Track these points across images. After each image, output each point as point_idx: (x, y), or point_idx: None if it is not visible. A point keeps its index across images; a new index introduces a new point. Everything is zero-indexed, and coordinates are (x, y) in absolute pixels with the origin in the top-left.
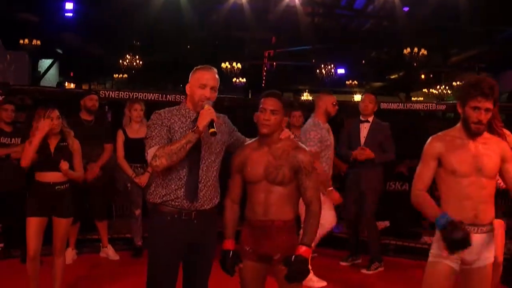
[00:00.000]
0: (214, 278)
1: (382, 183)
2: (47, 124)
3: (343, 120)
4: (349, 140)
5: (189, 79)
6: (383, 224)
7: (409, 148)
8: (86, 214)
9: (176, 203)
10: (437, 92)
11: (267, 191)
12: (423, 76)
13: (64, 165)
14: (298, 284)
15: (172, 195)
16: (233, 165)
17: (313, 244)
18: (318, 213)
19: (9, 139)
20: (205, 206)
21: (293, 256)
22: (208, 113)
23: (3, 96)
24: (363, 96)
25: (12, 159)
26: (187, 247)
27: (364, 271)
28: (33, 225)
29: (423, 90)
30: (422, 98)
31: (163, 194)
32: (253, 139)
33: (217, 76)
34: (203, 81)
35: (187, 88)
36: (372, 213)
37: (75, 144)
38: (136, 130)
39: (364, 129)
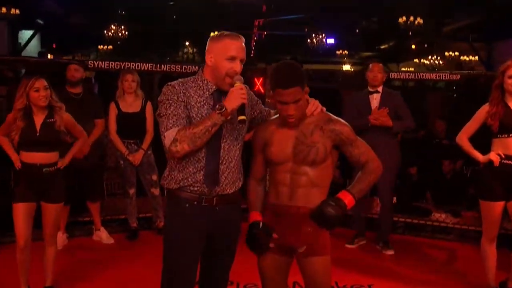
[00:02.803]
0: (234, 269)
1: (400, 159)
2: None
3: (338, 91)
4: (358, 114)
5: (211, 47)
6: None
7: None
8: (76, 195)
9: (195, 188)
10: (428, 63)
11: (294, 173)
12: (413, 46)
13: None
14: (327, 281)
15: (190, 180)
16: (255, 143)
17: None
18: (375, 170)
19: None
20: (228, 190)
21: (332, 198)
22: (239, 94)
23: None
24: (370, 66)
25: None
26: (209, 236)
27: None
28: (21, 212)
29: (414, 60)
30: (412, 69)
31: (180, 178)
32: (278, 115)
33: (244, 45)
34: (232, 52)
35: (208, 58)
36: (392, 195)
37: (64, 119)
38: (130, 104)
39: (374, 100)
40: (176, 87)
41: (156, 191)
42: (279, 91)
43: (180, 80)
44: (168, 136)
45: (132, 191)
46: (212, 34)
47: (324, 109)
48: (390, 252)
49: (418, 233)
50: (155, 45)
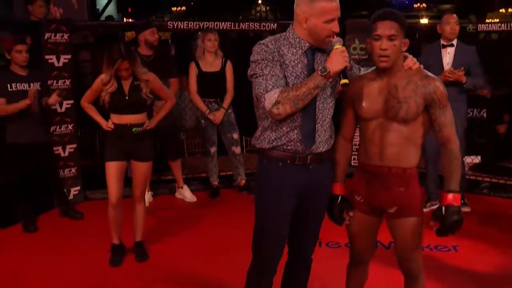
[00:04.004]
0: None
1: (466, 113)
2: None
3: (416, 46)
4: (428, 69)
5: (304, 7)
6: (476, 159)
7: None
8: (157, 154)
9: (289, 147)
10: None
11: (384, 130)
12: None
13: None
14: (417, 242)
15: (284, 139)
16: (345, 98)
17: None
18: (458, 152)
19: (26, 85)
20: (321, 148)
21: (443, 208)
22: (342, 57)
23: (16, 36)
24: (446, 18)
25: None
26: (301, 195)
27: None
28: (113, 170)
29: (500, 10)
30: (497, 20)
31: (273, 138)
32: (370, 69)
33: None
34: (331, 15)
35: (302, 18)
36: (463, 152)
37: (150, 82)
38: (210, 63)
39: (448, 54)
40: (270, 45)
41: (237, 150)
42: (376, 25)
43: (271, 37)
44: (269, 98)
45: (213, 149)
46: None
47: (422, 66)
48: (467, 210)
49: (505, 194)
50: (228, 5)
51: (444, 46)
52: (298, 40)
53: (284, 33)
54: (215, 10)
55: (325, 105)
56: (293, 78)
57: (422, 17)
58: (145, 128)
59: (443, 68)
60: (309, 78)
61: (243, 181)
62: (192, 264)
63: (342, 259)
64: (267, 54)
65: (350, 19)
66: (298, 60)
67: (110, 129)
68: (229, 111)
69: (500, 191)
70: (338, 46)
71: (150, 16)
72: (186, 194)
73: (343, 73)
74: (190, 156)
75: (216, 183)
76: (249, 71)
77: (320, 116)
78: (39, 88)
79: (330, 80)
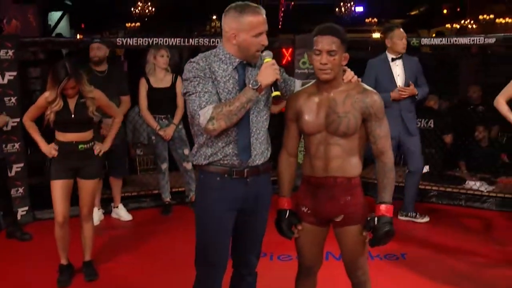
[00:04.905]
0: (267, 240)
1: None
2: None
3: (367, 60)
4: (378, 83)
5: (232, 24)
6: (424, 168)
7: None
8: (106, 172)
9: (225, 162)
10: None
11: (327, 144)
12: (445, 11)
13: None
14: (363, 249)
15: (220, 154)
16: (287, 113)
17: None
18: (392, 165)
19: None
20: (257, 161)
21: (375, 218)
22: (272, 69)
23: None
24: (398, 33)
25: None
26: (240, 209)
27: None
28: (59, 189)
29: (446, 25)
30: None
31: (209, 154)
32: (310, 83)
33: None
34: (259, 29)
35: (231, 34)
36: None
37: (96, 99)
38: (160, 79)
39: (397, 67)
40: (201, 63)
41: (188, 165)
42: (316, 39)
43: (201, 55)
44: (204, 115)
45: (164, 166)
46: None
47: (360, 80)
48: (427, 219)
49: (452, 202)
50: (182, 20)
51: (394, 59)
52: (228, 56)
53: (214, 50)
54: (169, 26)
55: (258, 118)
56: (225, 94)
57: (374, 31)
58: (97, 153)
59: (394, 80)
60: (241, 92)
61: (195, 197)
62: (143, 282)
63: (293, 272)
64: (198, 71)
65: (300, 34)
66: (229, 76)
67: (52, 156)
68: (180, 127)
69: (447, 199)
70: (268, 60)
71: (103, 32)
72: (121, 213)
73: (275, 85)
74: (142, 172)
75: (168, 199)
76: (182, 89)
77: (254, 130)
78: None
79: (262, 93)
